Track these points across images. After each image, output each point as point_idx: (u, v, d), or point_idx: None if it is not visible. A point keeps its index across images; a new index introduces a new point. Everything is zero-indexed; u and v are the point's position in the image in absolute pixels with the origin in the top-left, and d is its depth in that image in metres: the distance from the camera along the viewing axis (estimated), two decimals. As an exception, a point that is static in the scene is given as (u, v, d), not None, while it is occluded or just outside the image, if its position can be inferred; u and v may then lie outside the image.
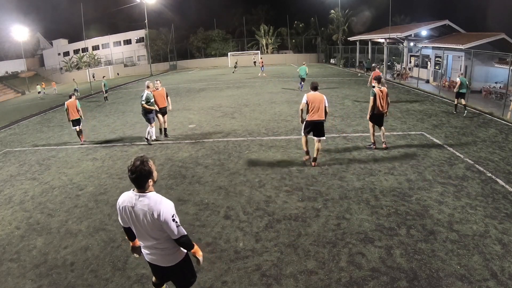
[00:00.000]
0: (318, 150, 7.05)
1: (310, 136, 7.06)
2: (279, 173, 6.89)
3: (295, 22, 49.29)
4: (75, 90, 22.42)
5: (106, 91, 20.13)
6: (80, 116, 10.31)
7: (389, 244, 4.38)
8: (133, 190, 2.67)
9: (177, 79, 29.33)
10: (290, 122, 11.02)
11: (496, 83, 15.58)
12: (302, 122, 7.03)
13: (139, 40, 50.46)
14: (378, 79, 7.98)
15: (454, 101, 11.89)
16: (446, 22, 20.92)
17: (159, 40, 47.28)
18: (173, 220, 2.61)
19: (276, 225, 4.99)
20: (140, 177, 2.55)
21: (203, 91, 20.23)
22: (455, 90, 11.42)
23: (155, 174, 2.68)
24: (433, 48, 19.75)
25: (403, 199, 5.58)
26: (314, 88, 6.85)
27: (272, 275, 3.94)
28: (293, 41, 49.14)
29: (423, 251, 4.19)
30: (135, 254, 3.09)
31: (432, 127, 9.87)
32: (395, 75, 22.79)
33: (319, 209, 5.37)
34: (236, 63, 35.28)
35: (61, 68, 49.26)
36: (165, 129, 10.21)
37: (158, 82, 10.07)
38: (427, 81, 20.17)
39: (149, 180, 2.61)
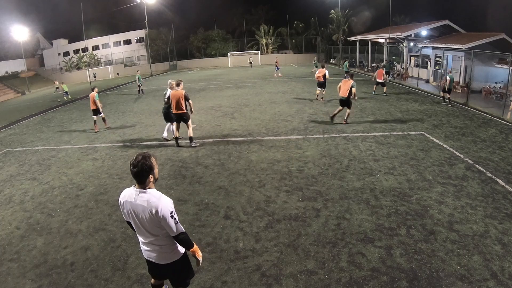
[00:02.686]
0: (348, 114, 10.57)
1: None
2: (279, 173, 6.90)
3: (295, 22, 49.30)
4: (65, 93, 22.16)
5: (141, 85, 21.29)
6: (98, 108, 11.53)
7: (389, 244, 4.38)
8: (134, 186, 2.72)
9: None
10: (290, 122, 11.02)
11: (496, 83, 15.58)
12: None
13: (139, 40, 50.42)
14: (350, 75, 10.78)
15: (447, 99, 13.52)
16: (446, 22, 20.93)
17: (159, 40, 47.26)
18: (172, 216, 2.64)
19: (276, 225, 4.99)
20: (141, 172, 2.59)
21: (203, 91, 20.23)
22: (446, 87, 13.12)
23: (156, 171, 2.71)
24: (433, 48, 19.75)
25: (403, 199, 5.58)
26: (351, 75, 10.60)
27: (272, 275, 3.94)
28: (293, 41, 49.14)
29: (423, 251, 4.19)
30: None
31: (432, 127, 9.87)
32: (395, 75, 22.79)
33: (319, 209, 5.37)
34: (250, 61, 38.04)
35: (61, 68, 49.20)
36: (190, 137, 8.94)
37: (171, 81, 9.00)
38: (427, 81, 20.17)
39: (150, 176, 2.65)
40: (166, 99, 9.03)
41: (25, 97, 32.09)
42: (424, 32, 22.37)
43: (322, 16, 44.45)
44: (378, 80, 15.85)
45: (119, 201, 2.81)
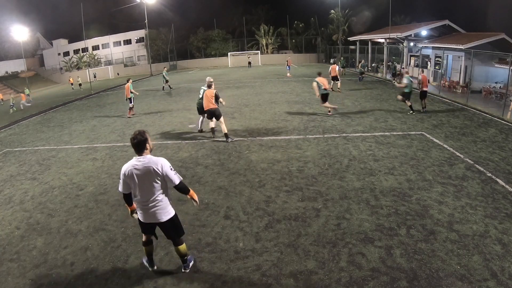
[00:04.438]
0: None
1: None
2: (279, 173, 6.90)
3: (295, 22, 49.27)
4: (10, 106, 21.19)
5: (167, 81, 21.83)
6: (131, 96, 13.67)
7: (389, 244, 4.38)
8: (134, 158, 3.46)
9: (177, 79, 29.30)
10: (290, 122, 11.02)
11: (496, 83, 15.57)
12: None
13: (139, 40, 50.43)
14: (319, 73, 11.94)
15: (422, 102, 12.04)
16: (446, 22, 20.91)
17: (159, 40, 47.26)
18: (171, 169, 3.48)
19: (276, 225, 4.99)
20: (140, 142, 3.40)
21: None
22: (404, 89, 11.47)
23: (150, 142, 3.52)
24: (433, 48, 19.74)
25: (403, 199, 5.58)
26: (319, 73, 11.77)
27: (272, 275, 3.94)
28: (293, 41, 49.12)
29: (423, 251, 4.19)
30: (134, 215, 3.79)
31: (432, 127, 9.87)
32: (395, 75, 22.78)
33: (319, 209, 5.37)
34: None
35: (61, 68, 49.24)
36: (225, 134, 9.27)
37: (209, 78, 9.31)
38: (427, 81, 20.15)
39: (147, 145, 3.44)
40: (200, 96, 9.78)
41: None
42: (424, 32, 22.36)
43: (322, 16, 44.52)
44: (332, 75, 16.58)
45: (123, 173, 3.45)
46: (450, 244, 4.30)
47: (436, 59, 19.60)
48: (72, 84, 32.08)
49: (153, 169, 3.37)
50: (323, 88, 11.42)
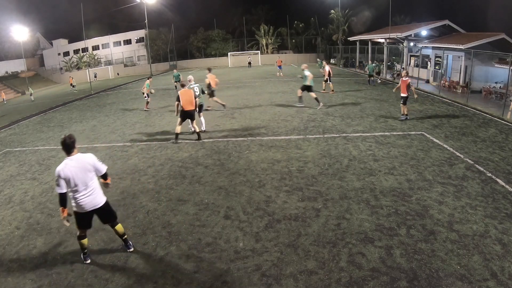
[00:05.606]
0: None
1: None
2: (279, 173, 6.90)
3: (295, 22, 49.29)
4: None
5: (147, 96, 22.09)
6: (149, 92, 14.80)
7: (389, 244, 4.38)
8: (65, 159, 4.01)
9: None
10: (290, 122, 11.02)
11: (496, 83, 15.57)
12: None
13: (139, 40, 50.43)
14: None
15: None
16: (446, 22, 20.90)
17: (159, 40, 47.27)
18: (98, 161, 4.20)
19: (276, 225, 4.98)
20: (69, 144, 3.99)
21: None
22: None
23: (76, 144, 4.10)
24: (433, 48, 19.74)
25: (403, 199, 5.58)
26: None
27: (272, 275, 3.94)
28: (293, 41, 49.14)
29: (423, 251, 4.19)
30: (65, 222, 4.12)
31: (432, 127, 9.87)
32: (395, 75, 22.79)
33: (319, 209, 5.37)
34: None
35: (61, 68, 49.22)
36: (197, 132, 9.61)
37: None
38: (427, 81, 20.17)
39: (75, 146, 4.05)
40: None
41: (25, 97, 32.11)
42: (424, 32, 22.35)
43: (322, 16, 44.51)
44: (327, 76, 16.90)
45: (59, 174, 3.92)
46: (450, 244, 4.30)
47: (436, 59, 19.59)
48: (71, 84, 32.23)
49: (87, 162, 4.03)
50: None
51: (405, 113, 10.86)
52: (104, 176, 4.28)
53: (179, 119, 9.29)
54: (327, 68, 16.57)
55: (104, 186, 4.36)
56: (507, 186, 5.89)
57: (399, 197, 5.64)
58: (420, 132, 9.39)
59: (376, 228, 4.76)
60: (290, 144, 8.74)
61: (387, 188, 5.99)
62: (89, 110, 16.67)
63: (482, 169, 6.70)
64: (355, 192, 5.89)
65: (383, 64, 25.18)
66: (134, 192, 6.41)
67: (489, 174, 6.42)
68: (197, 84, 9.98)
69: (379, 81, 20.89)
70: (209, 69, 13.59)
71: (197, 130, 9.57)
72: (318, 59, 30.78)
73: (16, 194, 6.78)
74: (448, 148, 8.02)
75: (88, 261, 4.39)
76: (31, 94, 27.76)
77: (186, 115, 9.22)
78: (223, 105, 13.57)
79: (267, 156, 7.98)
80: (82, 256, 4.41)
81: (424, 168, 6.82)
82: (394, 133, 9.41)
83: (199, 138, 9.54)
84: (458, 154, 7.60)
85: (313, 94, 12.93)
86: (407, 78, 10.74)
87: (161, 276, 4.04)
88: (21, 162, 8.96)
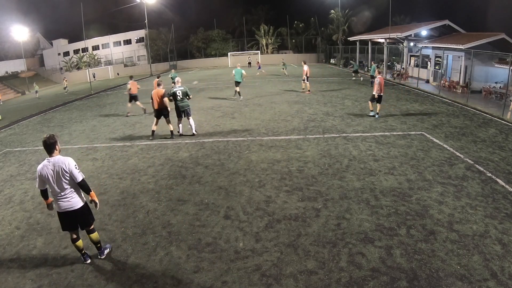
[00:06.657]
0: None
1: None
2: (279, 173, 6.90)
3: (295, 22, 49.33)
4: None
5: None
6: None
7: (389, 244, 4.38)
8: (45, 159, 3.97)
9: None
10: (290, 122, 11.02)
11: (496, 83, 15.57)
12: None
13: (139, 40, 50.42)
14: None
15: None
16: (446, 22, 20.90)
17: (159, 40, 47.26)
18: (76, 168, 4.03)
19: (276, 225, 4.99)
20: (50, 145, 3.94)
21: (203, 91, 20.22)
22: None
23: (58, 144, 4.06)
24: (433, 48, 19.73)
25: (403, 199, 5.58)
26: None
27: (272, 275, 3.94)
28: (293, 41, 49.14)
29: (423, 251, 4.19)
30: (50, 209, 4.30)
31: (432, 127, 9.87)
32: (395, 75, 22.79)
33: (319, 209, 5.37)
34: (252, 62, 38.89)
35: (61, 68, 49.20)
36: (171, 131, 10.10)
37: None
38: (427, 81, 20.16)
39: (56, 146, 4.00)
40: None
41: (25, 97, 32.11)
42: (424, 32, 22.35)
43: (322, 16, 44.51)
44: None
45: (39, 174, 3.95)
46: (450, 244, 4.30)
47: (436, 59, 19.59)
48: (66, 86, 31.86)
49: (61, 167, 3.93)
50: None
51: (378, 111, 11.40)
52: (85, 188, 4.11)
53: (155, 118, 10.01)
54: (305, 67, 17.01)
55: (91, 203, 4.23)
56: (507, 186, 5.89)
57: (399, 197, 5.64)
58: (420, 132, 9.39)
59: (376, 228, 4.76)
60: (290, 144, 8.74)
61: (387, 188, 5.99)
62: (89, 110, 16.66)
63: (482, 169, 6.70)
64: (355, 192, 5.89)
65: (376, 64, 25.11)
66: (134, 192, 6.41)
67: (489, 174, 6.42)
68: (182, 87, 9.83)
69: (361, 79, 21.83)
70: (131, 77, 14.62)
71: (171, 129, 10.02)
72: (282, 59, 30.13)
73: (16, 194, 6.78)
74: (448, 148, 8.02)
75: (88, 261, 4.38)
76: (36, 92, 28.07)
77: (159, 114, 9.81)
78: (144, 109, 14.26)
79: (267, 156, 7.98)
80: (82, 257, 4.41)
81: (424, 168, 6.82)
82: (394, 133, 9.41)
83: (171, 136, 10.03)
84: (458, 154, 7.60)
85: (237, 88, 15.09)
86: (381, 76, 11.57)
87: (161, 276, 4.04)
88: (21, 162, 8.96)
